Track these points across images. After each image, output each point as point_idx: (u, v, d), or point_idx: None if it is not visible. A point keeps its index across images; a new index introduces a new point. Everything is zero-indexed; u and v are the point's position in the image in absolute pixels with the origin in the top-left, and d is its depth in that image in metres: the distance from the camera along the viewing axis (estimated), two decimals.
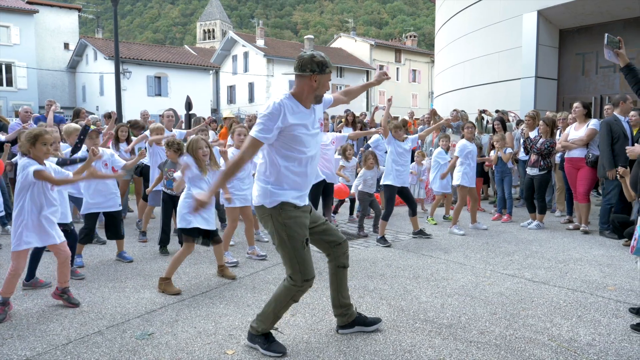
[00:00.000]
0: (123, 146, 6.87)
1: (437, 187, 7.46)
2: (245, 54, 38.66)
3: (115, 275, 4.64)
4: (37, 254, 4.18)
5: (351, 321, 3.28)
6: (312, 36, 44.34)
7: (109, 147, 6.40)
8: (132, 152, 7.07)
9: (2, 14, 30.01)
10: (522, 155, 7.96)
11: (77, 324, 3.44)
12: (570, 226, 6.92)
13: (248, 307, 3.79)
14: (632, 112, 6.97)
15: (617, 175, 5.36)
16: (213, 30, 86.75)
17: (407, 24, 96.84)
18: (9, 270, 3.57)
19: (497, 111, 10.00)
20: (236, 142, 5.17)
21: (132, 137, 7.21)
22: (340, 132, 10.04)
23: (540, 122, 7.04)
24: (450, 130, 9.06)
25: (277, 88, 35.95)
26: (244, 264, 5.07)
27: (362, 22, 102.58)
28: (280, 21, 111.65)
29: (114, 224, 5.10)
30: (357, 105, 34.92)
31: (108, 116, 9.21)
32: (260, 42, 38.22)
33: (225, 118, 9.71)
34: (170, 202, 5.46)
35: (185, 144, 5.65)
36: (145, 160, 6.69)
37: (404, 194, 6.13)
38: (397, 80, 43.93)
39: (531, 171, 6.98)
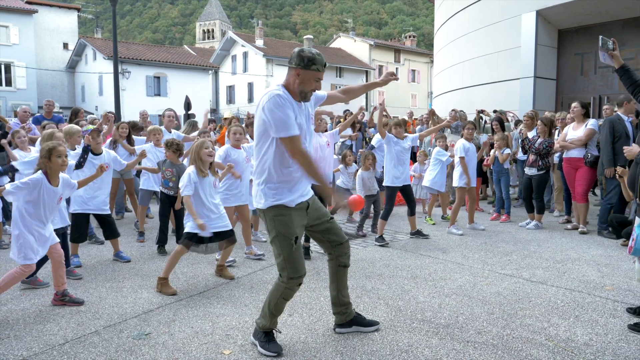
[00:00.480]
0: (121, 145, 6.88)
1: (430, 185, 7.39)
2: (245, 54, 38.65)
3: (112, 275, 4.64)
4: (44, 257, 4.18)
5: (349, 320, 3.28)
6: (311, 36, 44.36)
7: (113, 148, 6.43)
8: (129, 151, 7.07)
9: (1, 13, 29.98)
10: (520, 155, 7.96)
11: (74, 324, 3.43)
12: (569, 226, 6.92)
13: (245, 307, 3.78)
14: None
15: (616, 174, 5.37)
16: (212, 30, 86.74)
17: (407, 24, 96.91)
18: (19, 269, 3.55)
19: (495, 111, 10.00)
20: (232, 141, 5.16)
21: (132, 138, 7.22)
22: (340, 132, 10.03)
23: (539, 122, 7.04)
24: (448, 130, 9.05)
25: None
26: (241, 263, 5.06)
27: (362, 22, 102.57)
28: (280, 21, 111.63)
29: (107, 224, 5.09)
30: (357, 106, 34.93)
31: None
32: (260, 42, 38.21)
33: (226, 119, 9.71)
34: (167, 202, 5.45)
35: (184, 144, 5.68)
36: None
37: (406, 192, 6.12)
38: (397, 80, 43.89)
39: (529, 171, 6.98)
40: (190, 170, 4.27)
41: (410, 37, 50.12)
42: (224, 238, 4.36)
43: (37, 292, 4.12)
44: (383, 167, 6.25)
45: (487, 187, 9.88)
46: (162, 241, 5.52)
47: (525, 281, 4.45)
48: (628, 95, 6.50)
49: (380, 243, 5.87)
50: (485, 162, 7.82)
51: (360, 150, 9.77)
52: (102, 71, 30.81)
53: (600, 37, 4.03)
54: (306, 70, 2.80)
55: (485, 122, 9.93)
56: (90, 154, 5.00)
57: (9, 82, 30.77)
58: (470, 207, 6.96)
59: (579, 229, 6.61)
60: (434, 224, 7.33)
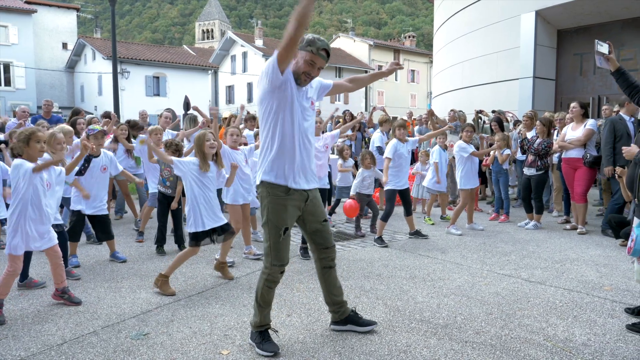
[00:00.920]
0: (121, 145, 6.89)
1: (432, 186, 7.43)
2: (244, 54, 38.65)
3: (111, 276, 4.63)
4: (27, 254, 4.14)
5: (344, 318, 3.28)
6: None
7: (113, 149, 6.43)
8: (129, 153, 7.08)
9: (0, 13, 29.96)
10: (519, 155, 7.96)
11: (72, 324, 3.43)
12: (568, 226, 6.92)
13: (244, 307, 3.78)
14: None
15: (616, 175, 5.38)
16: (212, 30, 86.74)
17: (406, 24, 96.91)
18: (6, 270, 3.55)
19: (493, 111, 10.00)
20: (229, 142, 5.15)
21: (132, 138, 7.23)
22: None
23: (537, 123, 7.04)
24: (447, 130, 9.04)
25: None
26: (240, 263, 5.06)
27: (361, 22, 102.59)
28: (279, 21, 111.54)
29: (101, 226, 5.07)
30: (356, 106, 34.96)
31: (105, 116, 9.21)
32: (259, 42, 38.20)
33: (225, 118, 9.69)
34: (165, 202, 5.45)
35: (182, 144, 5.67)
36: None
37: (403, 194, 6.15)
38: (396, 80, 43.94)
39: (528, 171, 6.98)
40: (195, 159, 4.20)
41: (409, 37, 50.13)
42: (222, 231, 4.31)
43: (35, 292, 4.12)
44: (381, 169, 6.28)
45: (486, 188, 9.88)
46: (160, 241, 5.51)
47: (524, 281, 4.45)
48: None
49: (379, 244, 5.87)
50: (484, 162, 7.82)
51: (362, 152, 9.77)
52: (101, 71, 30.80)
53: (596, 40, 4.04)
54: (302, 51, 2.80)
55: (484, 122, 9.93)
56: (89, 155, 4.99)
57: (8, 82, 30.76)
58: (469, 208, 6.96)
59: (578, 229, 6.61)
60: (432, 224, 7.33)
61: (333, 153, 8.06)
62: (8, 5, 30.31)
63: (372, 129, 11.16)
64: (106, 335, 3.25)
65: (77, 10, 37.62)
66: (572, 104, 6.80)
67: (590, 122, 6.63)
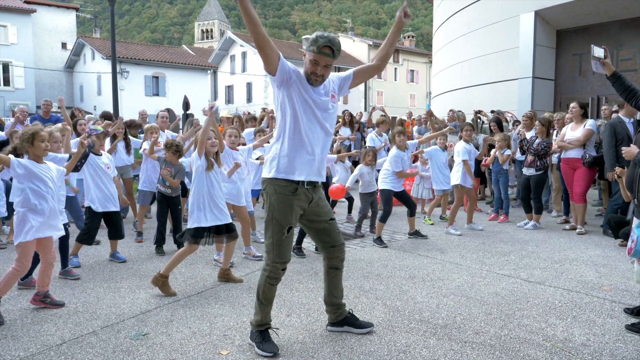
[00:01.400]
0: (120, 145, 6.89)
1: (440, 186, 7.39)
2: (244, 54, 38.61)
3: (110, 276, 4.63)
4: (37, 253, 4.14)
5: (341, 320, 3.29)
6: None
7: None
8: (127, 149, 7.08)
9: None
10: (518, 155, 7.97)
11: (71, 324, 3.43)
12: (567, 226, 6.92)
13: (243, 307, 3.78)
14: (614, 115, 6.99)
15: (615, 175, 5.37)
16: (211, 30, 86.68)
17: (405, 24, 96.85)
18: (12, 269, 3.52)
19: (492, 111, 10.00)
20: (228, 143, 5.15)
21: (130, 137, 7.22)
22: (337, 132, 10.05)
23: (536, 123, 7.05)
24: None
25: None
26: (239, 264, 5.06)
27: (360, 22, 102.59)
28: (279, 21, 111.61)
29: (115, 224, 5.09)
30: (355, 106, 34.94)
31: (104, 116, 9.21)
32: None
33: (226, 117, 9.67)
34: (164, 202, 5.45)
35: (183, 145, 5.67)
36: None
37: (402, 196, 6.16)
38: (395, 80, 43.95)
39: (528, 171, 6.98)
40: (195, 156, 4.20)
41: (409, 37, 50.10)
42: (226, 231, 4.30)
43: (34, 292, 4.10)
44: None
45: (485, 188, 9.89)
46: (160, 241, 5.51)
47: (523, 281, 4.46)
48: None
49: (378, 245, 5.87)
50: (483, 162, 7.82)
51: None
52: (100, 71, 30.77)
53: (592, 45, 4.07)
54: (307, 52, 2.83)
55: (483, 122, 9.94)
56: (90, 154, 5.00)
57: (7, 82, 30.73)
58: (469, 208, 6.96)
59: (577, 230, 6.62)
60: (432, 224, 7.33)
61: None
62: (7, 5, 30.28)
63: (371, 129, 11.18)
64: (105, 335, 3.25)
65: (77, 10, 37.58)
66: (572, 104, 6.81)
67: (589, 123, 6.63)
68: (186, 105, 15.16)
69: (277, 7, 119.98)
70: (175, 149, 5.27)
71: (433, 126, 9.12)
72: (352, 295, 4.03)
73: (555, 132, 7.53)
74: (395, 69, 44.09)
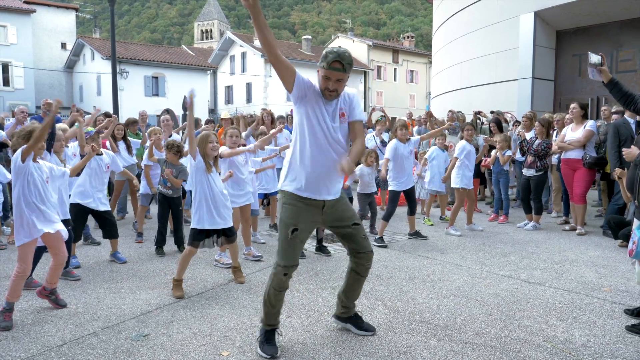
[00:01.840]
0: (120, 144, 6.91)
1: (433, 187, 7.43)
2: (243, 54, 38.61)
3: (110, 276, 4.63)
4: (38, 253, 4.13)
5: (345, 317, 3.34)
6: (309, 37, 44.32)
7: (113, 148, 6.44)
8: (129, 150, 7.09)
9: None
10: (518, 156, 7.98)
11: (72, 325, 3.43)
12: (567, 227, 6.93)
13: (244, 308, 3.78)
14: (614, 116, 6.99)
15: (616, 176, 5.38)
16: (211, 31, 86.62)
17: (405, 24, 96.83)
18: (15, 272, 3.50)
19: (492, 112, 10.00)
20: (228, 143, 5.14)
21: (130, 137, 7.24)
22: None
23: (536, 124, 7.05)
24: (445, 131, 9.05)
25: (275, 88, 35.90)
26: (239, 264, 5.05)
27: (360, 23, 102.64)
28: (278, 21, 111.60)
29: (106, 224, 5.08)
30: None
31: (107, 115, 9.20)
32: (258, 43, 38.15)
33: (223, 119, 9.68)
34: (165, 203, 5.45)
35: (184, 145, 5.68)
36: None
37: (408, 193, 6.16)
38: (395, 80, 43.96)
39: (527, 172, 6.99)
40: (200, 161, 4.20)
41: (408, 37, 50.13)
42: (226, 235, 4.30)
43: (35, 293, 4.10)
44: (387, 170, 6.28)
45: (485, 188, 9.89)
46: (160, 242, 5.51)
47: (523, 282, 4.46)
48: None
49: (379, 244, 5.87)
50: (484, 163, 7.83)
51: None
52: (100, 71, 30.76)
53: (589, 53, 4.09)
54: (319, 68, 2.84)
55: (483, 123, 9.94)
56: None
57: (6, 82, 30.70)
58: (469, 208, 6.97)
59: (577, 230, 6.62)
60: (432, 224, 7.34)
61: None
62: (7, 5, 30.26)
63: (370, 129, 11.17)
64: (106, 336, 3.25)
65: (76, 10, 37.56)
66: (572, 105, 6.81)
67: (589, 123, 6.64)
68: (185, 106, 15.15)
69: (277, 7, 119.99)
70: (176, 150, 5.28)
71: (433, 127, 9.12)
72: None
73: (555, 132, 7.54)
74: (395, 69, 44.10)
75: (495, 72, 12.91)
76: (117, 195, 7.12)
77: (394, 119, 10.07)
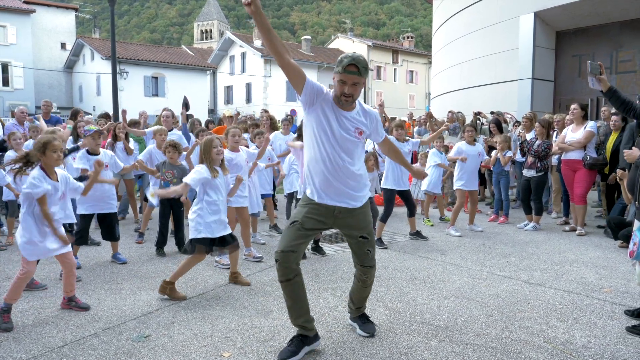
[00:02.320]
0: (119, 145, 6.91)
1: (426, 187, 7.43)
2: (243, 55, 38.62)
3: (111, 277, 4.63)
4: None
5: (354, 317, 3.39)
6: (309, 37, 44.31)
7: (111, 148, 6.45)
8: (128, 150, 7.09)
9: None
10: (518, 157, 7.98)
11: (73, 326, 3.43)
12: (567, 228, 6.93)
13: (244, 309, 3.78)
14: (613, 117, 6.99)
15: (617, 178, 5.39)
16: (210, 31, 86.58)
17: (405, 25, 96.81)
18: (18, 274, 3.50)
19: (492, 113, 10.00)
20: (231, 143, 5.14)
21: (130, 137, 7.23)
22: None
23: (536, 124, 7.06)
24: (445, 132, 9.06)
25: (275, 89, 35.94)
26: (240, 265, 5.04)
27: (360, 23, 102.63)
28: (278, 22, 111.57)
29: (108, 225, 5.06)
30: None
31: (105, 116, 9.20)
32: (258, 43, 38.11)
33: (225, 116, 9.66)
34: (167, 204, 5.45)
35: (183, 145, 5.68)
36: None
37: (405, 195, 6.15)
38: (395, 81, 44.00)
39: (528, 173, 6.99)
40: (202, 167, 4.09)
41: (408, 38, 50.15)
42: (227, 242, 4.26)
43: (36, 294, 4.11)
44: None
45: (485, 189, 9.90)
46: (161, 243, 5.50)
47: (524, 283, 4.46)
48: None
49: (379, 246, 5.87)
50: (484, 164, 7.83)
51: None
52: (99, 71, 30.77)
53: (589, 62, 4.13)
54: (334, 74, 2.85)
55: (482, 123, 9.94)
56: (88, 155, 5.00)
57: (6, 82, 30.71)
58: (471, 210, 6.96)
59: (577, 231, 6.63)
60: (432, 225, 7.34)
61: None
62: (6, 5, 30.27)
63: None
64: (107, 337, 3.25)
65: (76, 10, 37.56)
66: (573, 106, 6.82)
67: (590, 124, 6.64)
68: (186, 105, 15.11)
69: (277, 7, 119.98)
70: (173, 148, 5.27)
71: (432, 127, 9.13)
72: None
73: (555, 133, 7.54)
74: (395, 69, 44.12)
75: (495, 73, 12.92)
76: (131, 195, 7.14)
77: (393, 119, 10.08)
